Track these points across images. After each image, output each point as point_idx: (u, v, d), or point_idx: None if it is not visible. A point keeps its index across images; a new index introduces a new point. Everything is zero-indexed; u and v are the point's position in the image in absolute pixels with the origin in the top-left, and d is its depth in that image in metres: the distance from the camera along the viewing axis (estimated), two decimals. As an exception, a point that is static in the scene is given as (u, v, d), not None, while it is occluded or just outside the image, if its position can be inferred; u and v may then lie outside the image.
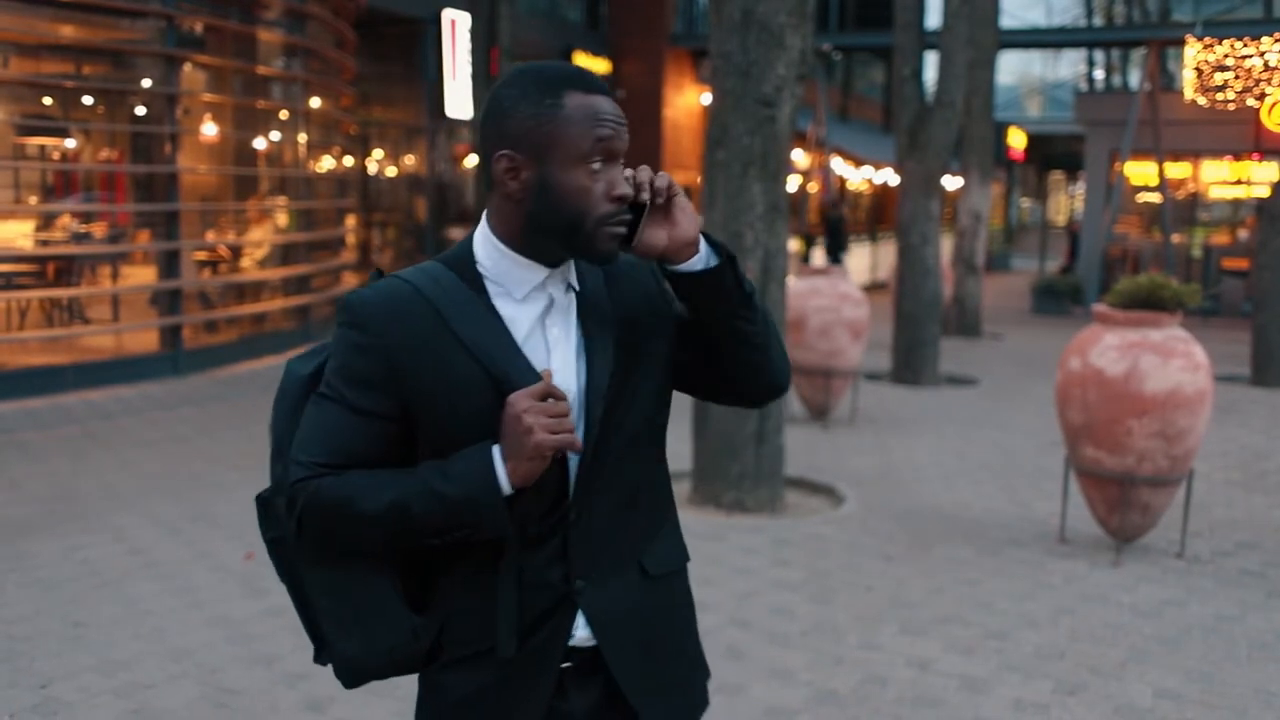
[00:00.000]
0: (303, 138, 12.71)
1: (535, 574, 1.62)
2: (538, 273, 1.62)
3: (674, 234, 1.60)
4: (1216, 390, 5.99)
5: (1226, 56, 16.95)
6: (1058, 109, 40.30)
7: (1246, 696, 4.00)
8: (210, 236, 11.58)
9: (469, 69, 16.56)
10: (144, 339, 10.52)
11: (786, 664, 4.15)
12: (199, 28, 11.21)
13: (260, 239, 11.96)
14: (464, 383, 1.57)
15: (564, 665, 1.66)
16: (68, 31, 10.52)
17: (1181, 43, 17.80)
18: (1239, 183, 19.13)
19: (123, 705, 3.74)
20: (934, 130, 10.79)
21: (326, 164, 13.54)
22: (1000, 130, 25.95)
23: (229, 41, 11.45)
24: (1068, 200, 44.09)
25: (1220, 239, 19.58)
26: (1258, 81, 16.91)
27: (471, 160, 18.06)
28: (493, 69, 14.86)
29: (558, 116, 1.55)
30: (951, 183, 17.68)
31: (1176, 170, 19.50)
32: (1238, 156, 18.80)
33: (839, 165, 21.79)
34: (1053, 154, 36.17)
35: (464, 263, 1.64)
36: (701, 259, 1.62)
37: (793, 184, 15.42)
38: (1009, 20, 35.67)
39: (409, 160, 18.32)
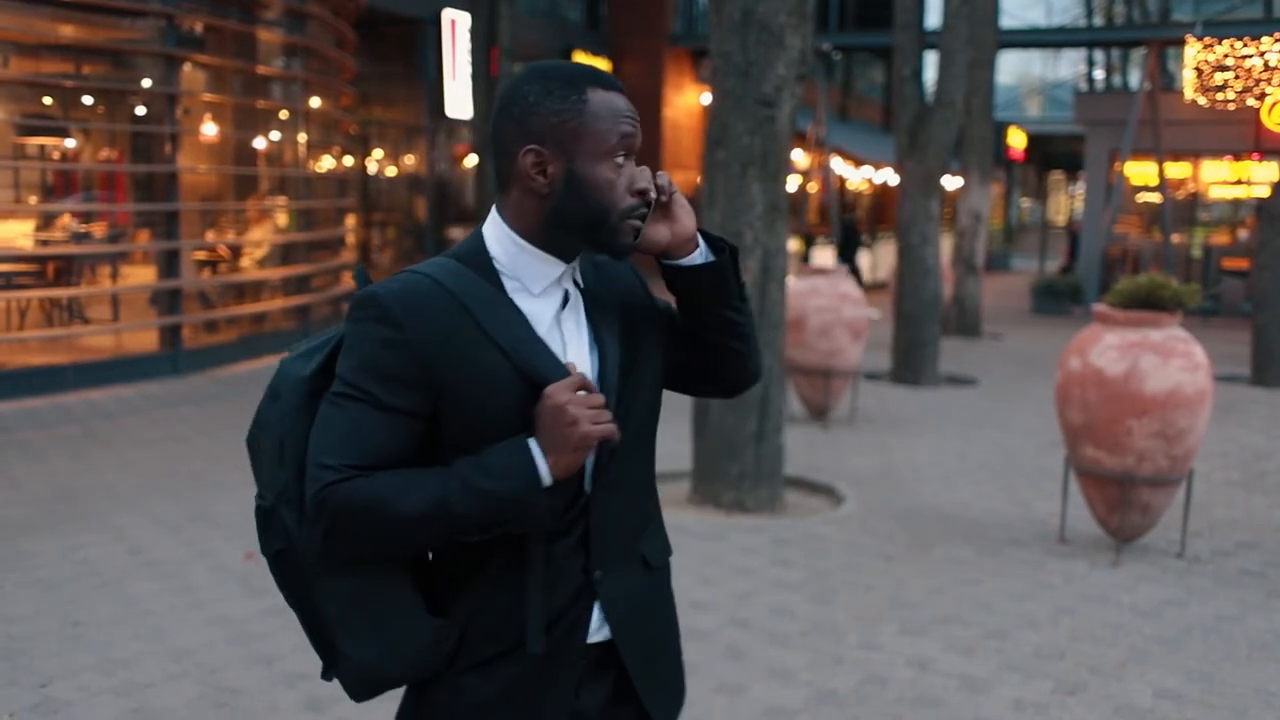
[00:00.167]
0: (303, 137, 12.71)
1: (559, 566, 1.63)
2: (555, 267, 1.64)
3: (676, 230, 1.67)
4: (1216, 390, 5.99)
5: (1226, 56, 16.96)
6: (1058, 109, 40.30)
7: (1246, 696, 4.00)
8: (210, 236, 11.59)
9: (469, 69, 16.57)
10: (144, 339, 10.53)
11: (786, 664, 4.15)
12: (199, 27, 11.21)
13: (260, 239, 11.97)
14: (492, 377, 1.56)
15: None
16: (68, 31, 10.52)
17: (1181, 43, 17.81)
18: (1239, 183, 19.13)
19: (122, 704, 3.74)
20: (934, 130, 10.79)
21: (326, 164, 13.54)
22: (1000, 130, 25.96)
23: (229, 41, 11.46)
24: (1068, 200, 44.08)
25: (1220, 239, 19.58)
26: (1258, 81, 16.91)
27: (471, 160, 18.05)
28: (493, 69, 14.87)
29: (584, 112, 1.58)
30: (951, 183, 17.68)
31: (1176, 170, 19.51)
32: (1238, 156, 18.80)
33: (839, 165, 21.78)
34: (1053, 154, 36.16)
35: (479, 258, 1.63)
36: (701, 253, 1.69)
37: (792, 184, 15.42)
38: (1009, 20, 35.67)
39: (409, 160, 18.32)
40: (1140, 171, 19.30)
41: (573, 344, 1.65)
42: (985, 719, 3.77)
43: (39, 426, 8.02)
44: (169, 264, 10.33)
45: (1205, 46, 17.11)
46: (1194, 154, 19.28)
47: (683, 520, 5.96)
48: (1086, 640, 4.47)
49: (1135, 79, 30.39)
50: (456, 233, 17.49)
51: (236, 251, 11.86)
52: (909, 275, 10.86)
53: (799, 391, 8.80)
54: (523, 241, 1.63)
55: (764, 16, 5.97)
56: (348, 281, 13.86)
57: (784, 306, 6.40)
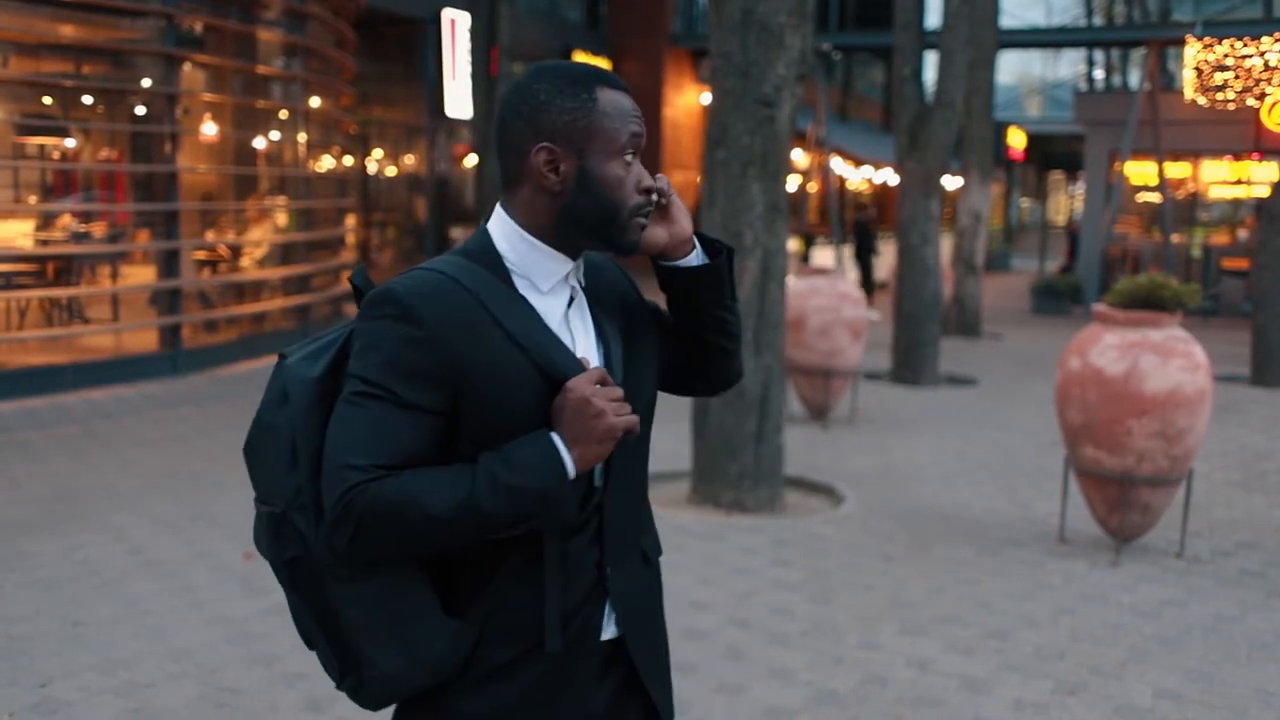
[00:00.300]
0: (302, 137, 12.71)
1: (574, 562, 1.64)
2: (564, 265, 1.66)
3: (674, 232, 1.71)
4: (1216, 390, 5.99)
5: (1226, 56, 16.96)
6: (1058, 109, 40.28)
7: (1246, 696, 4.00)
8: (210, 236, 11.58)
9: (469, 69, 16.57)
10: (143, 338, 10.53)
11: (786, 664, 4.15)
12: (199, 27, 11.21)
13: (260, 238, 11.97)
14: (511, 372, 1.57)
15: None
16: (68, 31, 10.52)
17: (1181, 42, 17.80)
18: (1239, 183, 19.13)
19: (122, 704, 3.74)
20: (934, 130, 10.79)
21: (326, 164, 13.54)
22: (1000, 130, 25.95)
23: (229, 41, 11.46)
24: (1068, 200, 44.08)
25: (1220, 239, 19.58)
26: (1258, 81, 16.91)
27: (471, 160, 18.05)
28: (492, 69, 14.86)
29: (595, 110, 1.60)
30: (951, 183, 17.68)
31: (1176, 170, 19.51)
32: (1238, 156, 18.80)
33: (839, 165, 21.78)
34: (1053, 154, 36.16)
35: (488, 256, 1.64)
36: (697, 255, 1.74)
37: (792, 184, 15.42)
38: (1009, 20, 35.65)
39: (409, 160, 18.33)
40: (1140, 171, 19.30)
41: (581, 340, 1.67)
42: (985, 719, 3.77)
43: (39, 426, 8.02)
44: (169, 264, 10.33)
45: (1205, 46, 17.11)
46: (1194, 154, 19.28)
47: (683, 520, 5.96)
48: (1086, 640, 4.47)
49: (1135, 79, 30.39)
50: (458, 233, 17.49)
51: (236, 251, 11.86)
52: (909, 275, 10.86)
53: (799, 391, 8.80)
54: (533, 239, 1.64)
55: (764, 16, 5.97)
56: (347, 282, 13.84)
57: (784, 306, 6.39)
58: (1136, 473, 5.32)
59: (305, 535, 1.57)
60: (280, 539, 1.59)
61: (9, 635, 4.29)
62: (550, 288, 1.65)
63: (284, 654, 4.13)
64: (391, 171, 18.78)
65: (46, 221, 10.57)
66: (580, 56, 19.43)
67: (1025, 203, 39.42)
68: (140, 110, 11.20)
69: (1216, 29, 17.90)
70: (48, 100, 10.96)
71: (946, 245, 15.18)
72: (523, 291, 1.63)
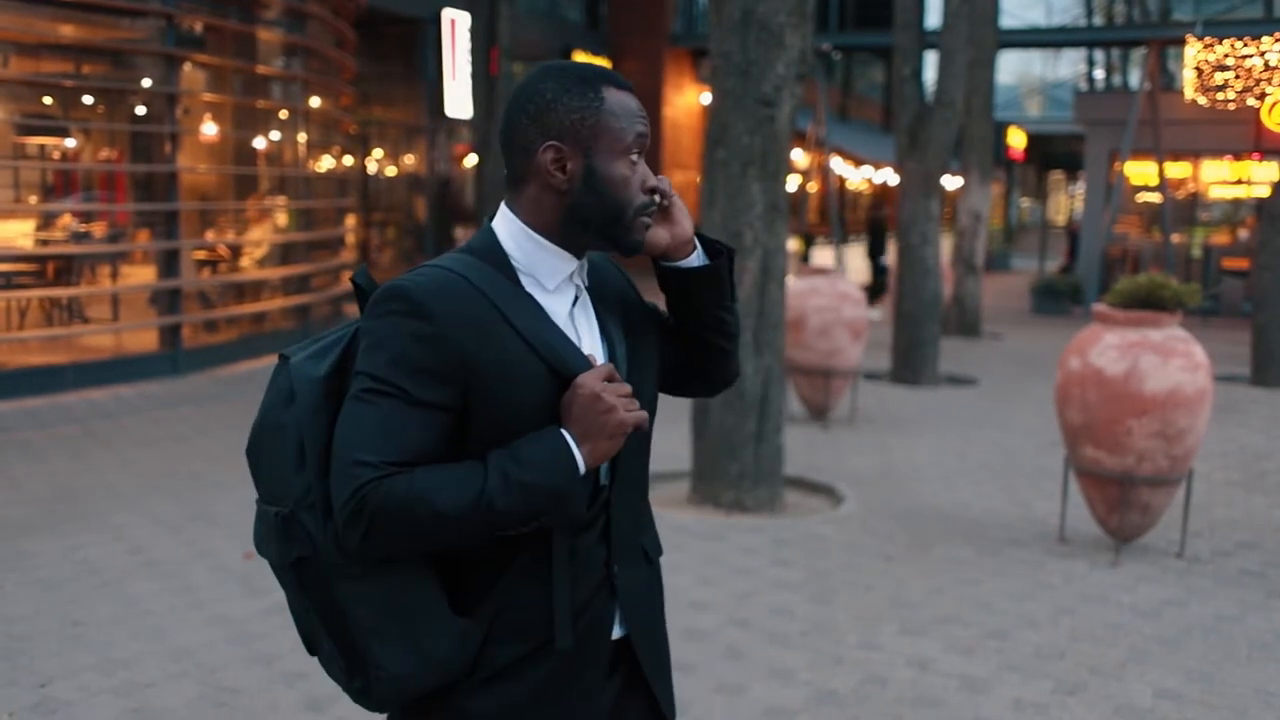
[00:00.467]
0: (302, 137, 12.71)
1: (583, 559, 1.64)
2: (569, 263, 1.67)
3: (675, 233, 1.72)
4: (1216, 390, 5.99)
5: (1227, 56, 16.95)
6: (1058, 109, 40.27)
7: (1246, 696, 4.00)
8: (210, 236, 11.58)
9: (469, 69, 16.57)
10: (143, 338, 10.53)
11: (786, 664, 4.15)
12: (199, 27, 11.21)
13: (260, 238, 11.97)
14: (521, 370, 1.57)
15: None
16: (68, 31, 10.52)
17: (1181, 42, 17.80)
18: (1239, 182, 19.12)
19: (122, 704, 3.74)
20: (934, 130, 10.79)
21: (326, 163, 13.54)
22: (1000, 130, 25.94)
23: (229, 41, 11.46)
24: (1068, 200, 44.08)
25: (1220, 239, 19.57)
26: (1258, 81, 16.91)
27: (471, 160, 18.04)
28: (492, 69, 14.85)
29: (601, 110, 1.61)
30: (951, 183, 17.68)
31: (1176, 170, 19.50)
32: (1238, 156, 18.79)
33: (839, 165, 21.78)
34: (1053, 154, 36.16)
35: (494, 253, 1.64)
36: (698, 256, 1.76)
37: (792, 184, 15.42)
38: (1009, 20, 35.66)
39: (409, 160, 18.32)
40: (1140, 171, 19.29)
41: (586, 339, 1.68)
42: (985, 719, 3.77)
43: (39, 426, 8.02)
44: (169, 264, 10.33)
45: (1205, 46, 17.11)
46: (1194, 154, 19.27)
47: (682, 520, 5.96)
48: (1086, 640, 4.47)
49: (1135, 79, 30.39)
50: (462, 233, 17.50)
51: (236, 251, 11.86)
52: (909, 275, 10.86)
53: (799, 391, 8.80)
54: (539, 237, 1.65)
55: (764, 16, 5.97)
56: (348, 282, 13.84)
57: (784, 306, 6.39)
58: (1136, 473, 5.32)
59: (313, 535, 1.56)
60: (288, 540, 1.58)
61: (9, 635, 4.29)
62: (555, 286, 1.65)
63: (284, 654, 4.13)
64: (391, 171, 18.78)
65: (47, 221, 10.57)
66: (580, 56, 19.43)
67: (1025, 203, 39.42)
68: (140, 110, 11.20)
69: (1217, 29, 17.90)
70: (48, 100, 10.96)
71: (946, 245, 15.17)
72: (528, 289, 1.64)
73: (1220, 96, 17.11)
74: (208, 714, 3.69)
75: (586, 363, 1.61)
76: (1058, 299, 18.08)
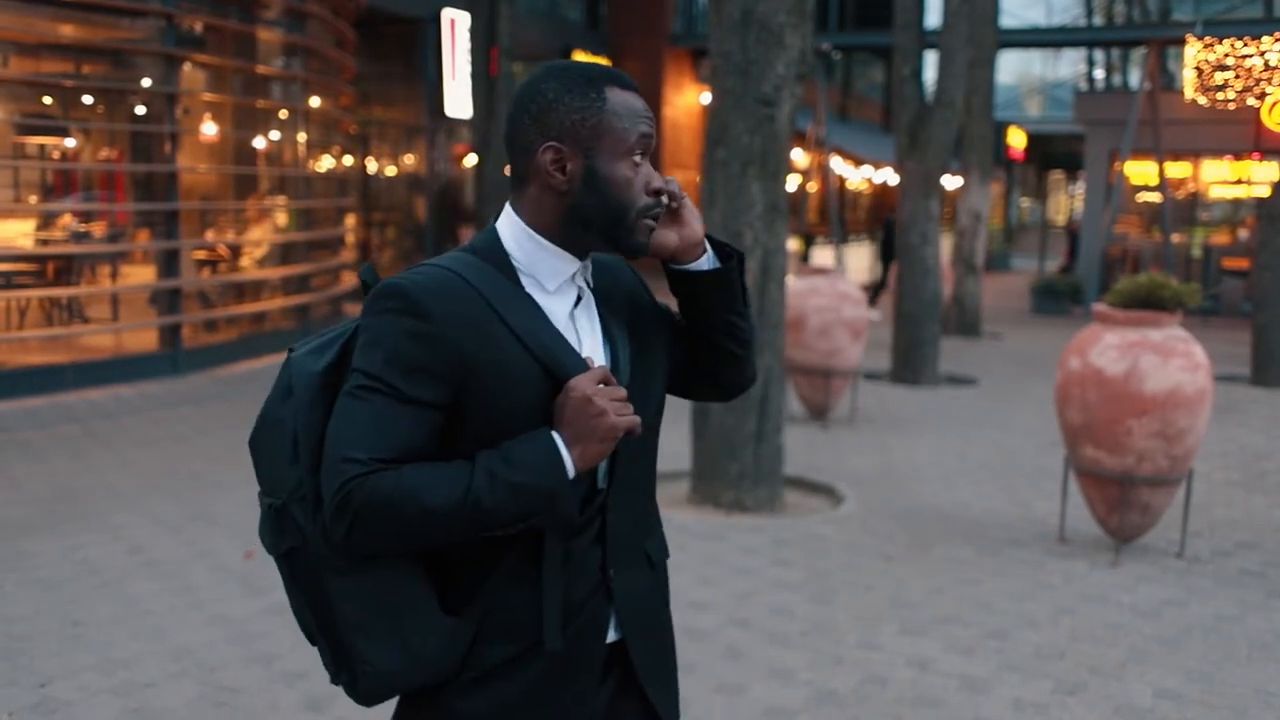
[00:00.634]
0: (302, 137, 12.71)
1: (576, 562, 1.63)
2: (570, 264, 1.65)
3: (684, 235, 1.69)
4: (1216, 390, 5.99)
5: (1227, 56, 16.95)
6: (1058, 109, 40.27)
7: (1246, 696, 4.00)
8: (210, 236, 11.58)
9: (469, 69, 16.56)
10: (143, 338, 10.52)
11: (786, 664, 4.15)
12: (199, 27, 11.21)
13: (260, 238, 11.96)
14: (516, 370, 1.57)
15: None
16: (67, 30, 10.51)
17: (1182, 42, 17.80)
18: (1239, 182, 19.12)
19: (122, 704, 3.74)
20: (934, 130, 10.79)
21: (326, 163, 13.54)
22: (1000, 130, 25.95)
23: (229, 41, 11.45)
24: (1068, 200, 44.08)
25: (1220, 239, 19.58)
26: (1258, 81, 16.91)
27: (471, 159, 18.04)
28: (492, 69, 14.85)
29: (604, 110, 1.60)
30: (951, 182, 17.68)
31: (1176, 170, 19.50)
32: (1238, 156, 18.79)
33: (839, 165, 21.78)
34: (1053, 154, 36.16)
35: (495, 253, 1.64)
36: (708, 259, 1.72)
37: (792, 184, 15.42)
38: (1009, 20, 35.64)
39: (409, 160, 18.32)
40: (1140, 171, 19.29)
41: (587, 340, 1.67)
42: (985, 719, 3.77)
43: (39, 426, 8.01)
44: (169, 263, 10.33)
45: (1205, 46, 17.11)
46: (1194, 154, 19.27)
47: (683, 520, 5.96)
48: (1086, 640, 4.47)
49: (1135, 79, 30.39)
50: (465, 233, 17.49)
51: (236, 251, 11.86)
52: (909, 275, 10.86)
53: (799, 391, 8.80)
54: (540, 238, 1.64)
55: (764, 16, 5.97)
56: (348, 281, 13.86)
57: (784, 306, 6.40)
58: (1136, 473, 5.32)
59: (303, 527, 1.57)
60: (280, 532, 1.60)
61: (9, 635, 4.29)
62: (556, 287, 1.64)
63: (283, 653, 4.13)
64: (391, 171, 18.78)
65: (46, 221, 10.57)
66: (580, 56, 19.43)
67: (1025, 202, 39.41)
68: (140, 110, 11.20)
69: (1217, 28, 17.90)
70: (48, 100, 10.96)
71: (946, 245, 15.18)
72: (529, 290, 1.63)
73: (1220, 96, 17.11)
74: (208, 714, 3.69)
75: (582, 365, 1.60)
76: (1058, 299, 18.08)
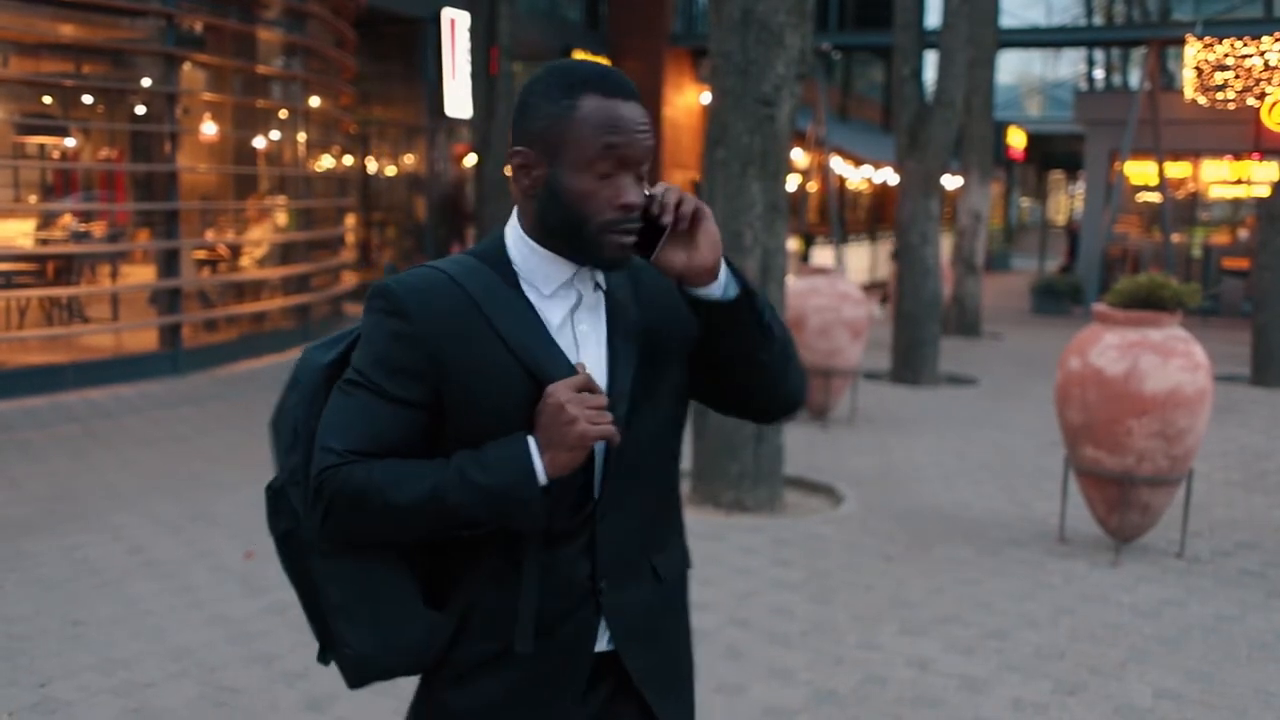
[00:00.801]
0: (302, 137, 12.71)
1: (561, 570, 1.62)
2: (565, 269, 1.63)
3: (692, 258, 1.57)
4: (1216, 390, 5.99)
5: (1226, 56, 16.95)
6: (1058, 109, 40.28)
7: (1246, 696, 4.00)
8: (210, 235, 11.58)
9: (469, 68, 16.54)
10: (143, 338, 10.52)
11: (786, 664, 4.15)
12: (199, 27, 11.21)
13: (260, 238, 11.96)
14: (499, 374, 1.57)
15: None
16: (67, 30, 10.51)
17: (1181, 42, 17.80)
18: (1239, 182, 19.13)
19: (122, 704, 3.74)
20: (934, 130, 10.79)
21: (326, 163, 13.54)
22: (1000, 130, 25.94)
23: (229, 40, 11.45)
24: (1068, 200, 44.08)
25: (1220, 239, 19.58)
26: (1258, 81, 16.90)
27: (471, 159, 18.05)
28: (492, 68, 14.84)
29: (571, 118, 1.54)
30: (951, 182, 17.67)
31: (1176, 170, 19.50)
32: (1238, 156, 18.80)
33: (839, 165, 21.79)
34: (1053, 154, 36.16)
35: (497, 257, 1.64)
36: (720, 286, 1.60)
37: (792, 183, 15.42)
38: (1009, 19, 35.66)
39: (409, 160, 18.31)
40: (1140, 171, 19.29)
41: (586, 346, 1.64)
42: (985, 719, 3.77)
43: (39, 426, 8.01)
44: (169, 263, 10.33)
45: (1205, 46, 17.11)
46: (1194, 154, 19.27)
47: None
48: (1086, 640, 4.47)
49: (1135, 79, 30.38)
50: (471, 233, 17.48)
51: (236, 251, 11.86)
52: (909, 275, 10.86)
53: (799, 391, 8.78)
54: (532, 242, 1.63)
55: (763, 15, 5.97)
56: (348, 281, 13.87)
57: (784, 306, 6.39)
58: (1136, 473, 5.32)
59: (297, 510, 1.64)
60: (277, 513, 1.67)
61: (9, 635, 4.29)
62: (552, 291, 1.62)
63: (283, 653, 4.13)
64: (391, 171, 18.77)
65: (47, 221, 10.57)
66: (580, 56, 19.42)
67: (1025, 202, 39.42)
68: (140, 110, 11.20)
69: (1217, 28, 17.89)
70: (48, 100, 10.96)
71: (946, 245, 15.17)
72: (528, 294, 1.62)
73: (1220, 96, 17.11)
74: (208, 714, 3.69)
75: (569, 370, 1.57)
76: (1058, 299, 18.08)
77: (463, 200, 17.93)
